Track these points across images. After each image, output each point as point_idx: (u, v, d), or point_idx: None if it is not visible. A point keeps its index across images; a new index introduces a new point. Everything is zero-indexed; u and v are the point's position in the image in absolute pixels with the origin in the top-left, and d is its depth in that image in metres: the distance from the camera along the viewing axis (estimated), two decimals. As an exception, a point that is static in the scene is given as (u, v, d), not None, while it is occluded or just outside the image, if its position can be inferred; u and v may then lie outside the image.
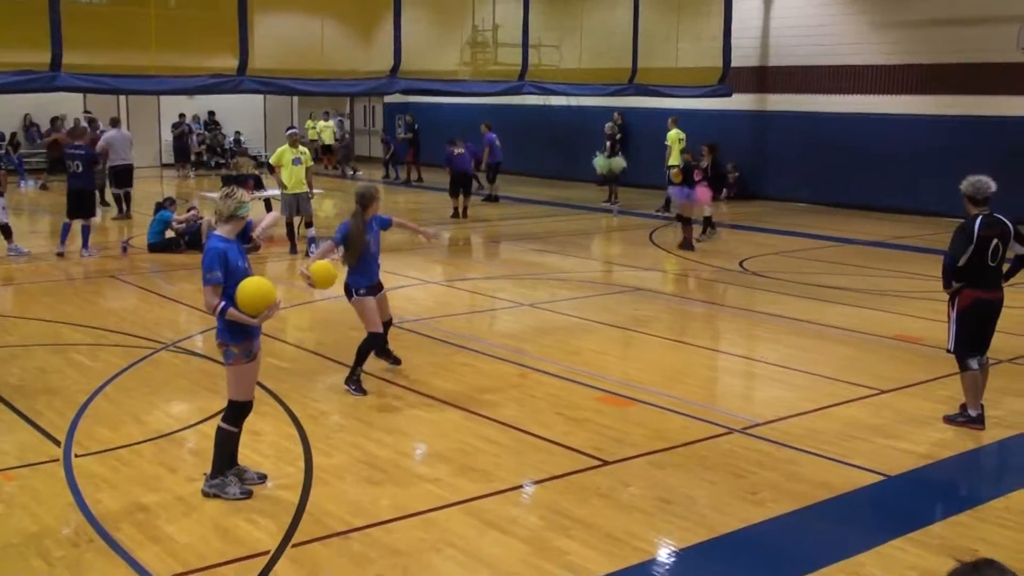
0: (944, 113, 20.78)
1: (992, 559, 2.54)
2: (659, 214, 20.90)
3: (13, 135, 29.67)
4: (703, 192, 16.90)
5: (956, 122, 20.54)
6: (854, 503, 6.58)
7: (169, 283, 14.03)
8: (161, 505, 6.31)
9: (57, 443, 7.39)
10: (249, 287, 6.15)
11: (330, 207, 23.15)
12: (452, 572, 5.52)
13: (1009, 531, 6.13)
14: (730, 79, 22.90)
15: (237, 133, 33.82)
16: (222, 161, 31.80)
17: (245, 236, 6.52)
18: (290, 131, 16.68)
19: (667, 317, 12.26)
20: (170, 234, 16.25)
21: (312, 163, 16.53)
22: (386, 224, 8.98)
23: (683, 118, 22.42)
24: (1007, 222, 7.86)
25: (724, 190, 22.87)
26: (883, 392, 8.92)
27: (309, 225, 16.35)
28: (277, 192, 16.71)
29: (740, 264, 15.60)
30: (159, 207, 16.77)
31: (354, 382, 8.74)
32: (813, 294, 13.30)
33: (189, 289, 13.07)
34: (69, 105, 28.67)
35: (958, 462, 7.45)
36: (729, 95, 22.94)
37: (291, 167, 15.85)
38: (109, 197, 21.04)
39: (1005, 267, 7.97)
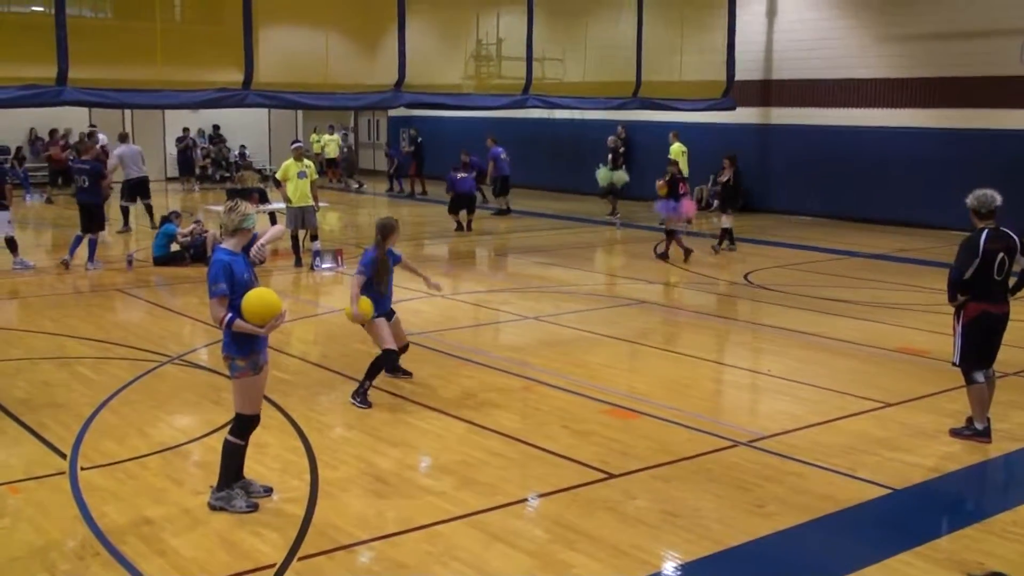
0: (948, 126, 20.79)
1: (1002, 572, 2.54)
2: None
3: (18, 149, 29.76)
4: (688, 205, 17.17)
5: (960, 135, 20.54)
6: (860, 516, 6.57)
7: (174, 296, 14.05)
8: (167, 518, 6.31)
9: (63, 456, 7.39)
10: (254, 298, 6.17)
11: (334, 220, 23.18)
12: (458, 585, 5.52)
13: (1016, 544, 6.11)
14: (734, 92, 22.93)
15: (242, 147, 33.90)
16: (227, 175, 31.91)
17: (250, 249, 6.54)
18: (295, 145, 16.73)
19: (672, 330, 12.24)
20: (175, 247, 16.28)
21: (317, 176, 16.60)
22: (396, 260, 9.21)
23: (687, 131, 22.47)
24: (1013, 236, 7.86)
25: (741, 202, 22.82)
26: (889, 405, 8.91)
27: (314, 238, 16.40)
28: (282, 206, 16.74)
29: (745, 277, 15.59)
30: (164, 220, 16.81)
31: (360, 395, 8.77)
32: (818, 307, 13.29)
33: (194, 302, 13.09)
34: (74, 119, 28.81)
35: (965, 476, 7.43)
36: (733, 108, 22.96)
37: (296, 180, 15.91)
38: (115, 212, 21.11)
39: (1012, 281, 7.97)
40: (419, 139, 28.63)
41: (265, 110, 30.63)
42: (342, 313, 9.09)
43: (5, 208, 15.35)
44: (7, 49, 14.87)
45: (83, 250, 15.70)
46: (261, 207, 17.77)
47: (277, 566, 5.67)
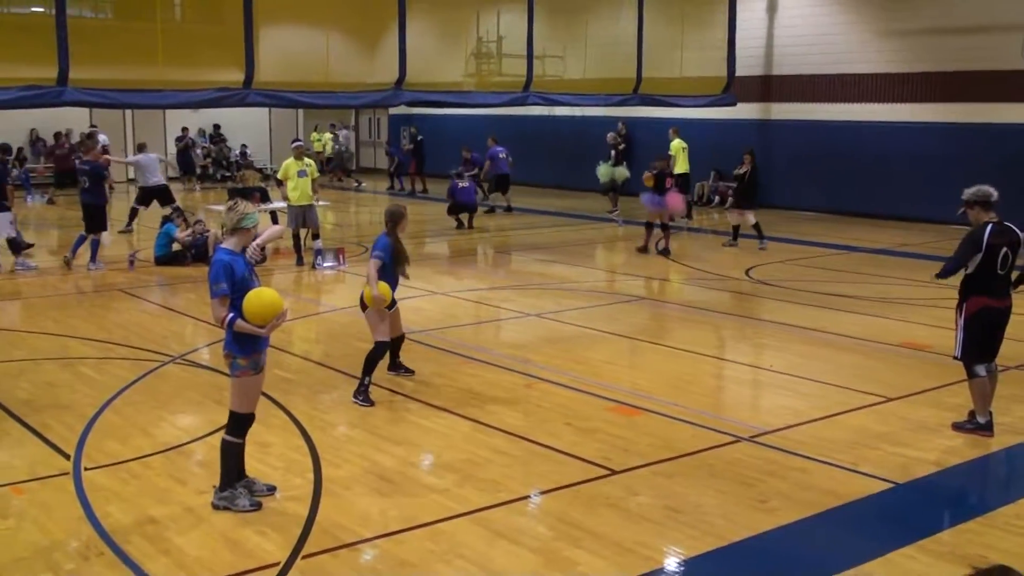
0: (948, 121, 20.80)
1: (1008, 566, 2.54)
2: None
3: (19, 150, 29.75)
4: (674, 199, 17.34)
5: (960, 130, 20.54)
6: (863, 511, 6.58)
7: (176, 296, 14.07)
8: (171, 517, 6.32)
9: (67, 456, 7.40)
10: (255, 298, 6.17)
11: (334, 218, 23.20)
12: (462, 583, 5.53)
13: (1019, 538, 6.12)
14: (734, 88, 22.92)
15: (243, 146, 33.91)
16: (228, 174, 31.92)
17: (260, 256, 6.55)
18: (295, 143, 16.75)
19: (674, 326, 12.25)
20: (177, 247, 16.29)
21: (318, 175, 16.61)
22: None
23: (687, 128, 22.44)
24: (1016, 230, 7.87)
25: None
26: (891, 400, 8.92)
27: (316, 236, 16.43)
28: (283, 205, 16.76)
29: (746, 272, 15.60)
30: (165, 220, 16.82)
31: (362, 393, 8.77)
32: (819, 302, 13.29)
33: (196, 302, 13.10)
34: (74, 120, 28.79)
35: (967, 469, 7.44)
36: (734, 104, 22.96)
37: (297, 179, 15.94)
38: (119, 213, 21.19)
39: (1015, 275, 7.98)
40: (420, 137, 28.63)
41: (266, 109, 30.65)
42: (360, 299, 9.01)
43: (7, 209, 15.37)
44: (7, 50, 14.87)
45: (86, 250, 15.71)
46: (262, 206, 17.77)
47: (281, 565, 5.68)
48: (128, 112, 29.73)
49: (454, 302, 13.55)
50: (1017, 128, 19.60)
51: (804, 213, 22.87)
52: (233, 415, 6.46)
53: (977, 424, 7.99)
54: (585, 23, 21.61)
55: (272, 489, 6.71)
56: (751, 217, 17.84)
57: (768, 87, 24.10)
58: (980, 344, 7.91)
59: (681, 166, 21.48)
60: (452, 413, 8.53)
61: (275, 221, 17.80)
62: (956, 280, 8.05)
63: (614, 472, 7.15)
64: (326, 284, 15.20)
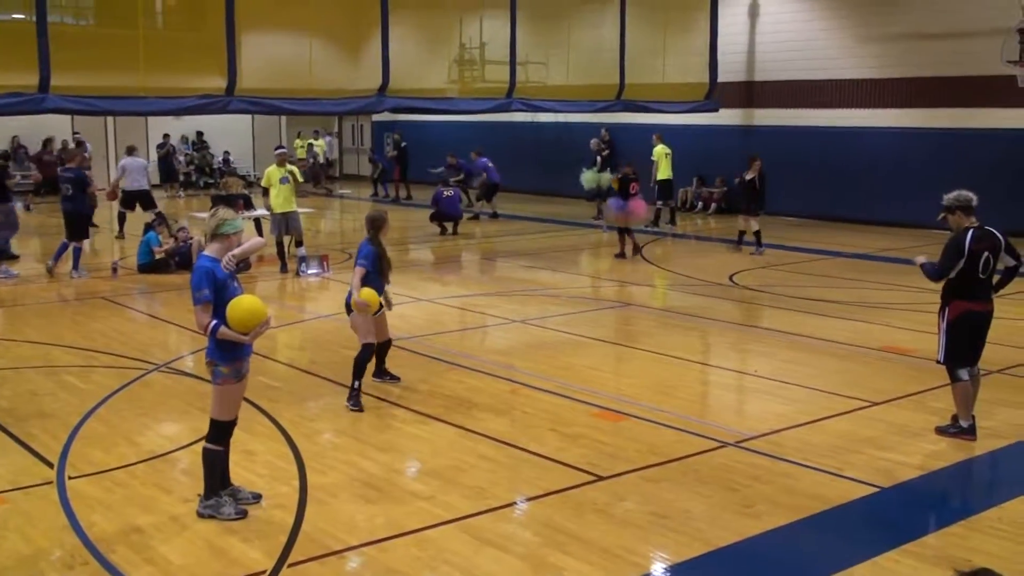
0: (930, 126, 20.92)
1: (989, 568, 2.56)
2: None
3: (2, 156, 29.57)
4: (637, 205, 17.52)
5: (942, 135, 20.67)
6: (848, 515, 6.60)
7: (160, 304, 14.02)
8: (155, 526, 6.29)
9: (50, 465, 7.36)
10: (239, 305, 6.16)
11: (315, 225, 23.16)
12: (449, 590, 5.53)
13: (1003, 541, 6.15)
14: (717, 94, 23.01)
15: (226, 153, 33.85)
16: (211, 181, 31.82)
17: (243, 261, 6.52)
18: (278, 151, 16.72)
19: (659, 331, 12.27)
20: (160, 254, 16.22)
21: (301, 180, 16.60)
22: None
23: (670, 134, 22.50)
24: (998, 234, 7.91)
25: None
26: (875, 404, 8.95)
27: (299, 244, 16.38)
28: (266, 212, 16.72)
29: (730, 278, 15.64)
30: (147, 228, 16.76)
31: (353, 398, 8.77)
32: (803, 307, 13.34)
33: (180, 309, 13.04)
34: (57, 127, 28.67)
35: (951, 473, 7.48)
36: (716, 110, 23.06)
37: (279, 186, 15.90)
38: (104, 220, 21.12)
39: (996, 279, 8.03)
40: (403, 144, 28.63)
41: (249, 116, 30.60)
42: (346, 303, 9.01)
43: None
44: (-11, 56, 14.85)
45: (67, 258, 15.62)
46: (246, 213, 17.74)
47: (267, 573, 5.66)
48: (111, 119, 29.60)
49: (439, 308, 13.55)
50: (998, 133, 19.74)
51: (787, 218, 22.95)
52: (213, 423, 6.44)
53: (960, 428, 8.03)
54: (568, 29, 21.68)
55: (258, 497, 6.69)
56: (754, 223, 17.88)
57: (750, 93, 24.19)
58: (963, 348, 7.95)
59: (664, 172, 21.55)
60: (438, 420, 8.52)
61: (259, 229, 17.76)
62: (938, 284, 8.10)
63: (600, 478, 7.16)
64: (310, 291, 15.16)
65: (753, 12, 24.00)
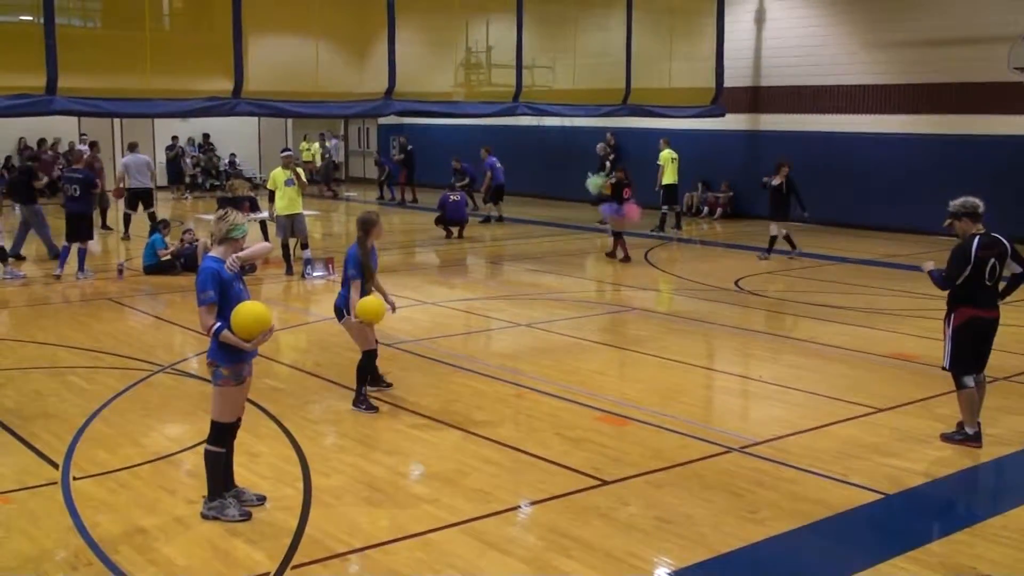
0: (936, 132, 20.90)
1: None
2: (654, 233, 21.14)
3: (8, 158, 29.68)
4: (631, 209, 17.56)
5: (948, 141, 20.64)
6: (853, 521, 6.59)
7: (165, 305, 14.04)
8: (160, 527, 6.29)
9: (55, 466, 7.37)
10: (244, 311, 6.15)
11: (322, 228, 23.18)
12: (452, 593, 5.52)
13: (1007, 549, 6.14)
14: (723, 99, 22.99)
15: (232, 155, 33.88)
16: (217, 183, 31.87)
17: (249, 263, 6.51)
18: (284, 153, 16.75)
19: (664, 336, 12.27)
20: (165, 256, 16.24)
21: (307, 183, 16.61)
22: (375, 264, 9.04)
23: (676, 139, 22.49)
24: (1004, 241, 7.89)
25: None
26: (880, 410, 8.94)
27: (305, 247, 16.38)
28: (269, 216, 16.75)
29: (735, 283, 15.63)
30: (153, 230, 16.78)
31: (362, 402, 8.77)
32: (808, 312, 13.33)
33: (185, 311, 13.05)
34: (64, 128, 28.73)
35: (956, 480, 7.46)
36: (722, 115, 23.03)
37: (284, 188, 15.92)
38: (113, 221, 21.16)
39: (1002, 285, 8.01)
40: (409, 147, 28.64)
41: (255, 118, 30.64)
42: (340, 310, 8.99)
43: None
44: (-4, 58, 14.87)
45: (74, 260, 15.64)
46: (252, 216, 17.75)
47: (271, 575, 5.67)
48: (117, 121, 29.66)
49: (444, 312, 13.55)
50: (1005, 139, 19.71)
51: (792, 224, 22.87)
52: (214, 424, 6.44)
53: (966, 435, 8.01)
54: (574, 34, 21.66)
55: (262, 499, 6.69)
56: (773, 228, 17.80)
57: (756, 98, 24.18)
58: (968, 355, 7.93)
59: (670, 176, 21.54)
60: (442, 423, 8.52)
61: (264, 230, 17.77)
62: (945, 291, 8.08)
63: (604, 482, 7.15)
64: (315, 294, 15.17)
65: (759, 18, 24.00)
